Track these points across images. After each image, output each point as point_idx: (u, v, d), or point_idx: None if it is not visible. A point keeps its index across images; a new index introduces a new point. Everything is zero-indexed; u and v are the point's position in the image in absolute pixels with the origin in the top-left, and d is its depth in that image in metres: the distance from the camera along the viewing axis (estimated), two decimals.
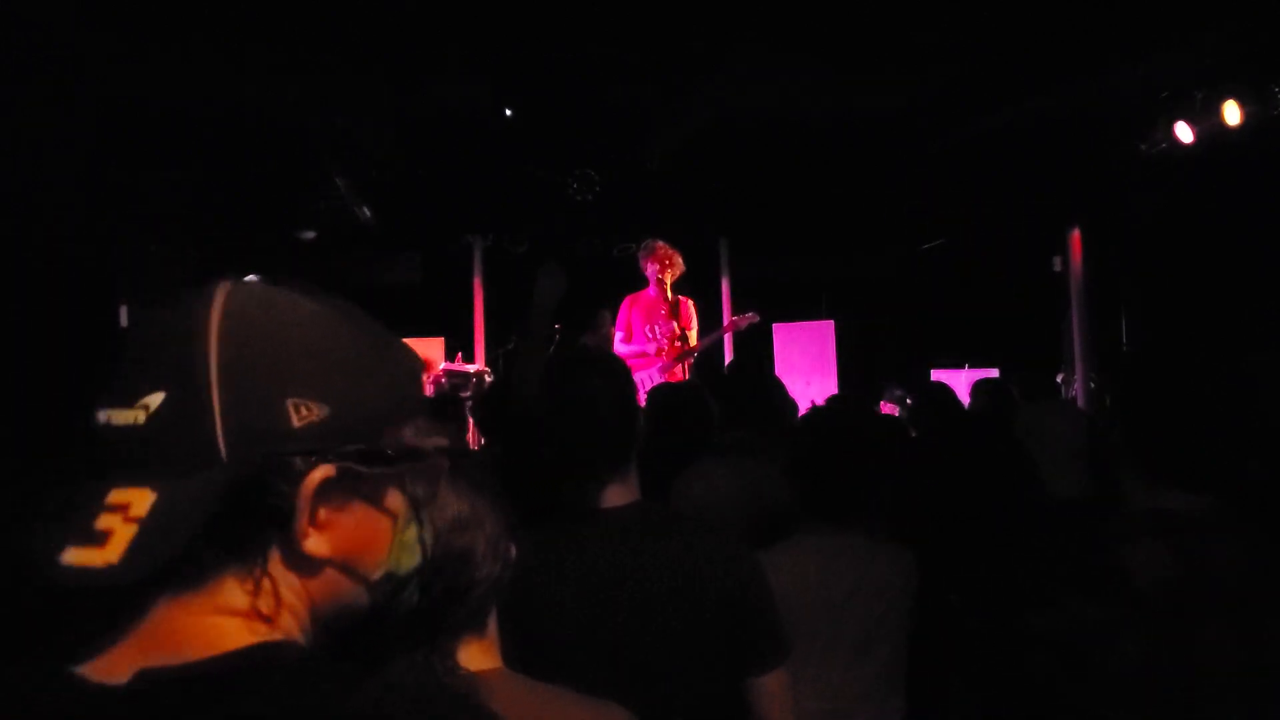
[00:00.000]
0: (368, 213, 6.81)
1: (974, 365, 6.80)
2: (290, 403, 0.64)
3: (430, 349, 7.42)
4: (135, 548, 0.60)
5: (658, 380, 5.38)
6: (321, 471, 0.65)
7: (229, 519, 0.63)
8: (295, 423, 0.64)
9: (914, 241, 8.36)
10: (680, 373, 5.65)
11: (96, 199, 6.04)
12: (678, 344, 5.63)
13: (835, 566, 1.94)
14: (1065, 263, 7.29)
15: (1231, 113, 5.03)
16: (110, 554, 0.59)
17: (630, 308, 5.79)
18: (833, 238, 8.01)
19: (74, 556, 0.60)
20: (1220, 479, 1.11)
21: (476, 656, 1.16)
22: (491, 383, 5.73)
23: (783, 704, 1.56)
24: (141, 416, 0.62)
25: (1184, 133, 5.36)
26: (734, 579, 1.55)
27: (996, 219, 7.41)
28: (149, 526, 0.60)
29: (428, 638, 1.13)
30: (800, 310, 8.10)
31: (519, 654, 1.50)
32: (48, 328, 4.74)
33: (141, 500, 0.61)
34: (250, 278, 0.68)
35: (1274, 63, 4.83)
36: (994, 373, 6.26)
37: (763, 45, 4.77)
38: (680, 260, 5.68)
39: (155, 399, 0.62)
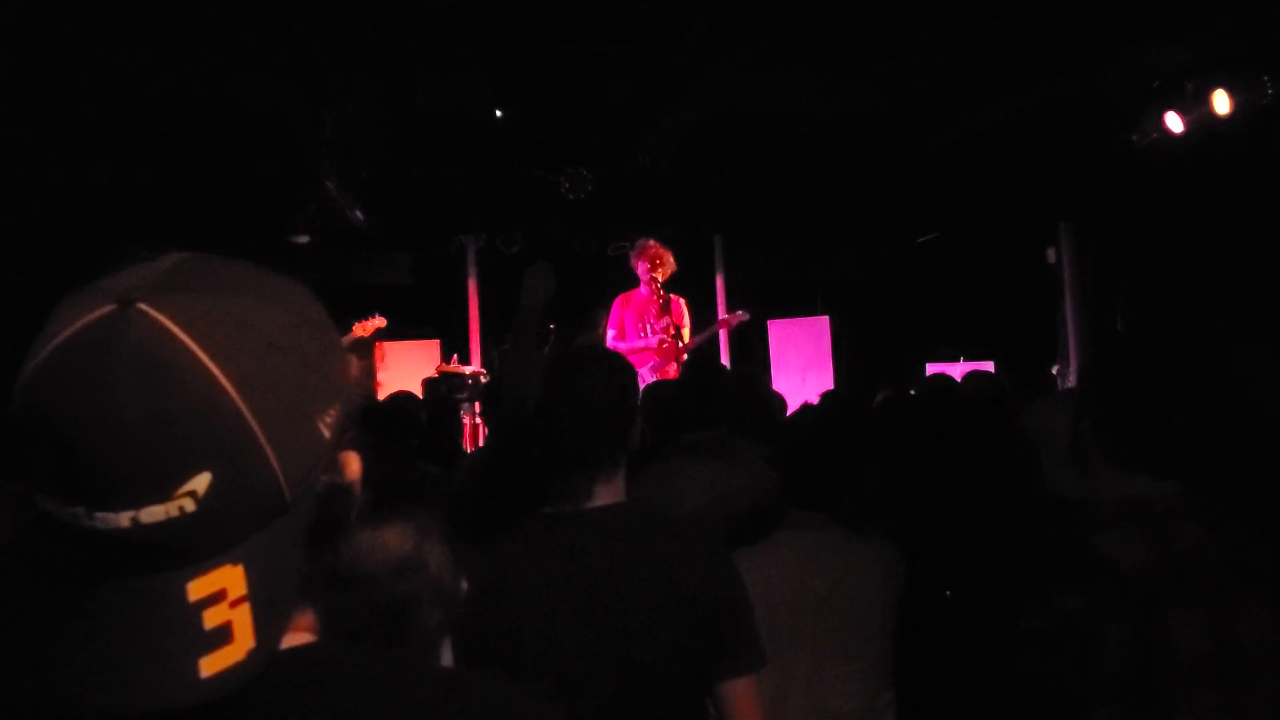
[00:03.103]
0: (360, 215, 6.81)
1: (969, 359, 6.80)
2: (321, 421, 0.61)
3: (426, 351, 7.42)
4: (263, 625, 0.57)
5: (650, 379, 5.38)
6: (354, 459, 0.65)
7: (312, 547, 0.62)
8: (328, 435, 0.62)
9: (908, 236, 8.37)
10: (675, 370, 5.66)
11: (86, 202, 6.03)
12: (671, 341, 5.64)
13: (817, 562, 1.94)
14: (1059, 255, 7.29)
15: (1221, 102, 5.03)
16: (243, 643, 0.55)
17: (623, 307, 5.79)
18: (827, 233, 8.02)
19: (212, 665, 0.54)
20: (1187, 465, 1.11)
21: None
22: (492, 380, 5.73)
23: (754, 708, 1.56)
24: (189, 505, 0.54)
25: (1174, 123, 5.36)
26: (712, 584, 1.56)
27: (990, 212, 7.42)
28: (260, 599, 0.57)
29: None
30: (795, 306, 8.10)
31: (502, 649, 1.51)
32: (37, 333, 4.72)
33: (235, 579, 0.56)
34: (141, 305, 0.56)
35: (1264, 52, 4.83)
36: (989, 366, 6.26)
37: (756, 42, 4.77)
38: (671, 259, 5.68)
39: (200, 482, 0.55)
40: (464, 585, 1.17)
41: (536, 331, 2.80)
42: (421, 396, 5.13)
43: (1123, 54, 4.96)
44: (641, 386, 4.59)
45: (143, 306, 0.55)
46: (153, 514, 0.54)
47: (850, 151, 7.11)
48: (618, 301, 5.82)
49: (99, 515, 0.54)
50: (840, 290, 8.40)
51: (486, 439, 3.81)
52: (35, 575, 0.56)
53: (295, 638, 0.65)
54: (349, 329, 6.17)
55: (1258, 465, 1.25)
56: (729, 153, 7.14)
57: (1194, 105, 5.19)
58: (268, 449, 0.57)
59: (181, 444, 0.54)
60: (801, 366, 7.81)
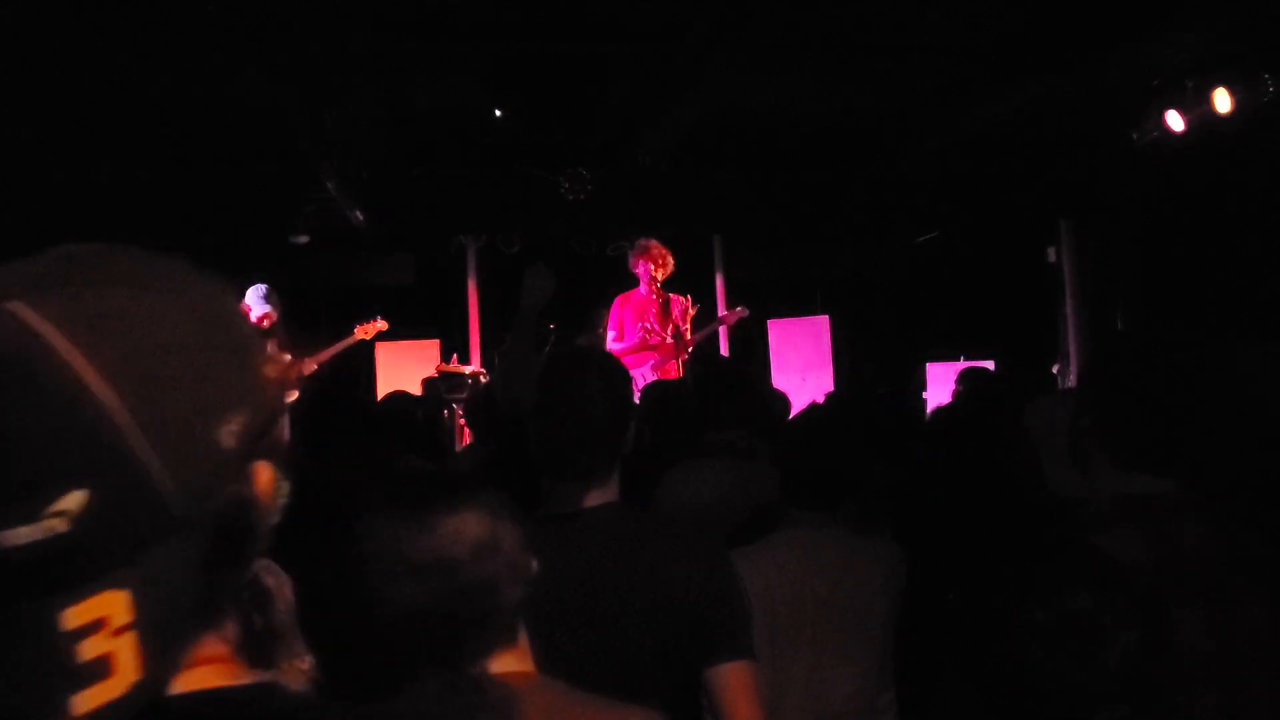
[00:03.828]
0: (360, 215, 6.81)
1: (969, 358, 6.80)
2: (222, 429, 0.56)
3: (425, 351, 7.43)
4: (150, 655, 0.51)
5: (651, 378, 5.38)
6: (266, 470, 0.60)
7: (212, 568, 0.56)
8: (231, 444, 0.56)
9: (908, 235, 8.36)
10: (675, 370, 5.66)
11: (89, 200, 6.04)
12: (671, 340, 5.64)
13: (818, 561, 1.94)
14: (1059, 254, 7.29)
15: (1222, 101, 5.02)
16: (126, 676, 0.50)
17: (622, 306, 5.79)
18: (827, 233, 8.02)
19: (88, 701, 0.49)
20: (1187, 465, 1.11)
21: (509, 663, 1.17)
22: (484, 384, 5.73)
23: (745, 697, 1.56)
24: (60, 525, 0.49)
25: (1175, 121, 5.36)
26: (705, 582, 1.57)
27: (990, 211, 7.41)
28: (148, 627, 0.51)
29: (454, 660, 1.14)
30: (795, 306, 8.10)
31: None
32: None
33: (117, 606, 0.50)
34: (9, 305, 0.51)
35: (1264, 50, 4.83)
36: (989, 365, 6.26)
37: (755, 41, 4.77)
38: (671, 259, 5.69)
39: (72, 500, 0.49)
40: (534, 564, 1.19)
41: (536, 332, 2.80)
42: (421, 396, 5.14)
43: (1123, 53, 4.95)
44: (642, 385, 4.61)
45: (10, 306, 0.50)
46: (17, 536, 0.48)
47: (850, 151, 7.10)
48: (617, 301, 5.83)
49: None
50: (840, 290, 8.39)
51: (470, 443, 3.82)
52: None
53: (209, 667, 0.60)
54: (350, 330, 6.18)
55: (1258, 465, 1.25)
56: (729, 153, 7.14)
57: (1195, 104, 5.19)
58: (152, 461, 0.51)
59: (49, 458, 0.49)
60: (801, 366, 7.81)
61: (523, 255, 7.44)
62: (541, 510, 1.63)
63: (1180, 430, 1.11)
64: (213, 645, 0.60)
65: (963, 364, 6.56)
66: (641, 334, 5.70)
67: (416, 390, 5.71)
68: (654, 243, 5.74)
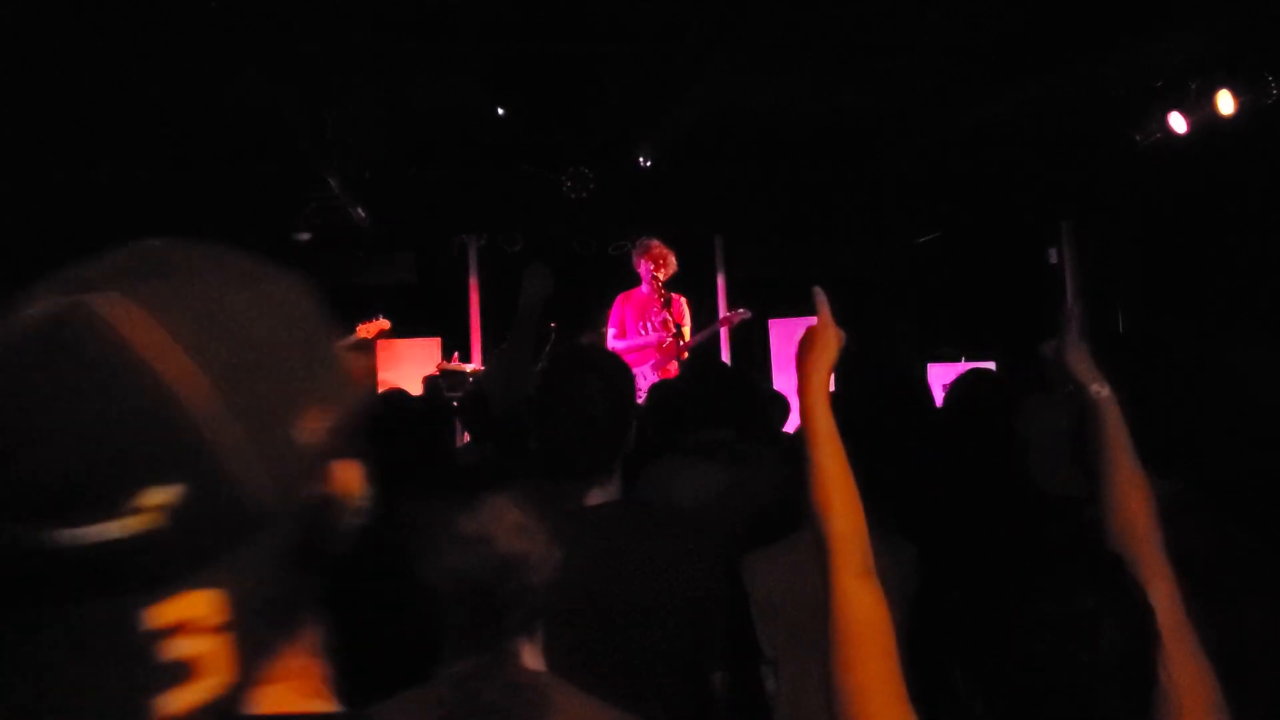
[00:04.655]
0: (362, 213, 6.81)
1: (971, 358, 6.79)
2: (306, 426, 0.54)
3: (426, 349, 7.43)
4: (238, 657, 0.49)
5: (652, 378, 5.38)
6: (352, 469, 0.58)
7: (295, 569, 0.54)
8: (315, 441, 0.55)
9: (909, 235, 8.36)
10: (676, 370, 5.65)
11: (90, 200, 6.04)
12: (672, 340, 5.64)
13: None
14: (1060, 254, 7.29)
15: (1225, 102, 5.02)
16: (213, 678, 0.48)
17: (623, 305, 5.79)
18: (827, 233, 8.01)
19: (172, 704, 0.47)
20: (1189, 465, 1.11)
21: (530, 657, 1.21)
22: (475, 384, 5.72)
23: (753, 697, 1.58)
24: (151, 521, 0.47)
25: (1178, 123, 5.35)
26: (704, 581, 1.57)
27: (991, 212, 7.40)
28: (235, 628, 0.49)
29: (492, 641, 1.20)
30: (796, 306, 8.09)
31: None
32: None
33: (204, 605, 0.49)
34: (95, 297, 0.49)
35: (1267, 51, 4.82)
36: (990, 365, 6.25)
37: (756, 41, 4.76)
38: (674, 259, 5.69)
39: (163, 494, 0.48)
40: (559, 555, 1.26)
41: (536, 332, 2.80)
42: (422, 394, 5.13)
43: (1125, 53, 4.95)
44: (644, 385, 4.60)
45: (97, 298, 0.49)
46: (107, 531, 0.47)
47: (850, 151, 7.10)
48: (618, 300, 5.83)
49: (45, 534, 0.47)
50: (840, 290, 8.35)
51: (467, 443, 3.82)
52: None
53: (289, 684, 0.58)
54: (352, 330, 6.17)
55: (1258, 465, 1.25)
56: (729, 152, 7.14)
57: (1198, 105, 5.18)
58: (242, 455, 0.50)
59: (139, 451, 0.47)
60: None
61: (524, 254, 7.45)
62: (547, 508, 1.64)
63: (1182, 431, 1.11)
64: (295, 657, 0.57)
65: (964, 364, 6.56)
66: (642, 333, 5.70)
67: (417, 389, 5.71)
68: (655, 242, 5.74)
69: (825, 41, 4.98)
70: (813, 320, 1.42)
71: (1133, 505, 1.12)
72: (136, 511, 0.47)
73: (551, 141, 6.66)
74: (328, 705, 0.60)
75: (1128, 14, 4.58)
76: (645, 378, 5.41)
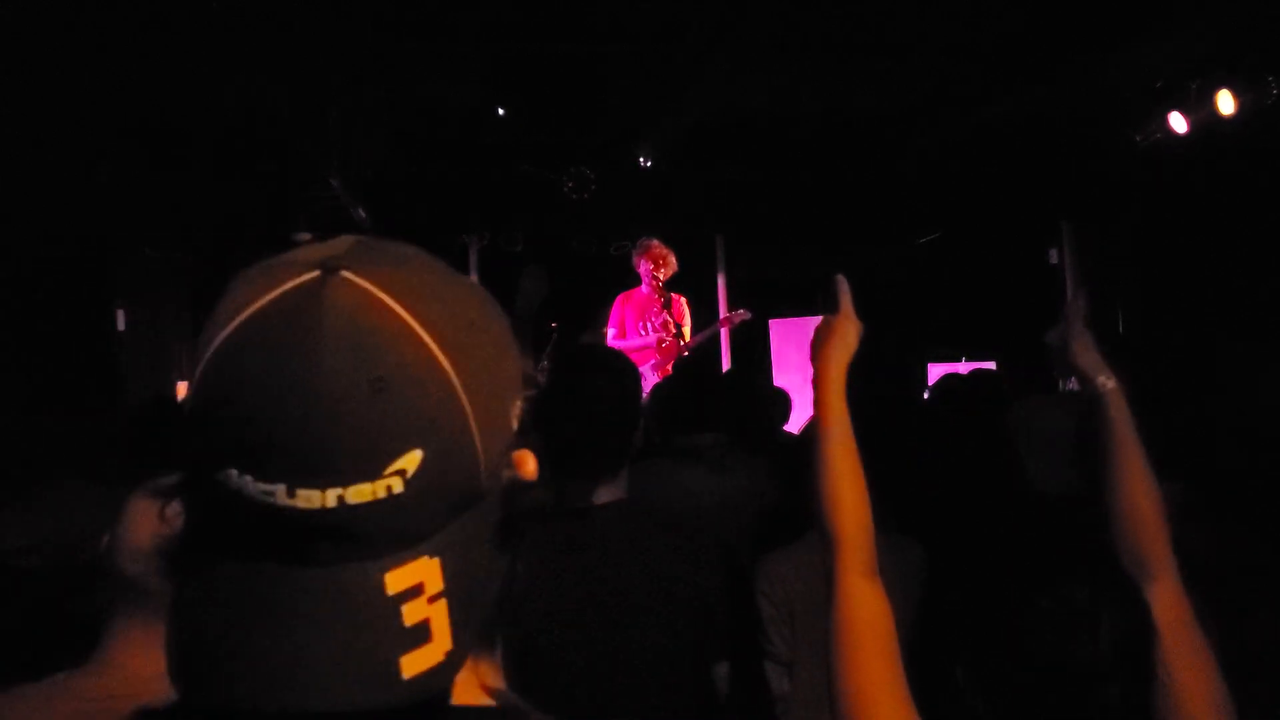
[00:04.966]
0: (362, 213, 6.81)
1: (971, 359, 6.79)
2: (511, 408, 0.57)
3: None
4: (459, 626, 0.51)
5: (652, 379, 5.38)
6: (531, 459, 0.61)
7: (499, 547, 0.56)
8: (516, 424, 0.57)
9: (909, 235, 8.36)
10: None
11: (91, 201, 6.04)
12: (672, 340, 5.64)
13: None
14: (1061, 255, 7.29)
15: (1226, 102, 5.01)
16: (441, 644, 0.50)
17: (624, 305, 5.79)
18: (829, 233, 8.01)
19: (413, 665, 0.49)
20: (1190, 466, 1.12)
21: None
22: None
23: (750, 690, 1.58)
24: (397, 485, 0.49)
25: (1178, 123, 5.35)
26: (709, 582, 1.58)
27: (992, 212, 7.41)
28: (457, 596, 0.51)
29: None
30: (797, 306, 8.10)
31: (509, 643, 1.52)
32: (44, 331, 4.73)
33: (432, 573, 0.51)
34: (346, 273, 0.51)
35: (1268, 52, 4.82)
36: (991, 365, 6.26)
37: (757, 41, 4.76)
38: (674, 259, 5.68)
39: (411, 460, 0.49)
40: (520, 564, 1.21)
41: (536, 332, 2.80)
42: None
43: (1125, 53, 4.95)
44: (643, 386, 4.58)
45: (348, 274, 0.51)
46: (360, 493, 0.48)
47: (851, 151, 7.10)
48: (619, 300, 5.83)
49: (301, 493, 0.48)
50: None
51: None
52: (219, 563, 0.50)
53: (491, 680, 0.60)
54: None
55: (1260, 465, 1.25)
56: (729, 152, 7.14)
57: (1198, 105, 5.18)
58: (475, 428, 0.52)
59: (395, 416, 0.49)
60: (803, 366, 7.77)
61: (525, 254, 7.45)
62: (548, 507, 1.64)
63: (1183, 431, 1.11)
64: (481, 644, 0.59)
65: (965, 365, 6.56)
66: (642, 333, 5.70)
67: None
68: (655, 242, 5.74)
69: (825, 41, 4.98)
70: (813, 320, 1.41)
71: (1141, 500, 1.11)
72: (389, 475, 0.49)
73: (551, 141, 6.66)
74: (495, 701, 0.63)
75: (1128, 14, 4.58)
76: (645, 378, 5.41)
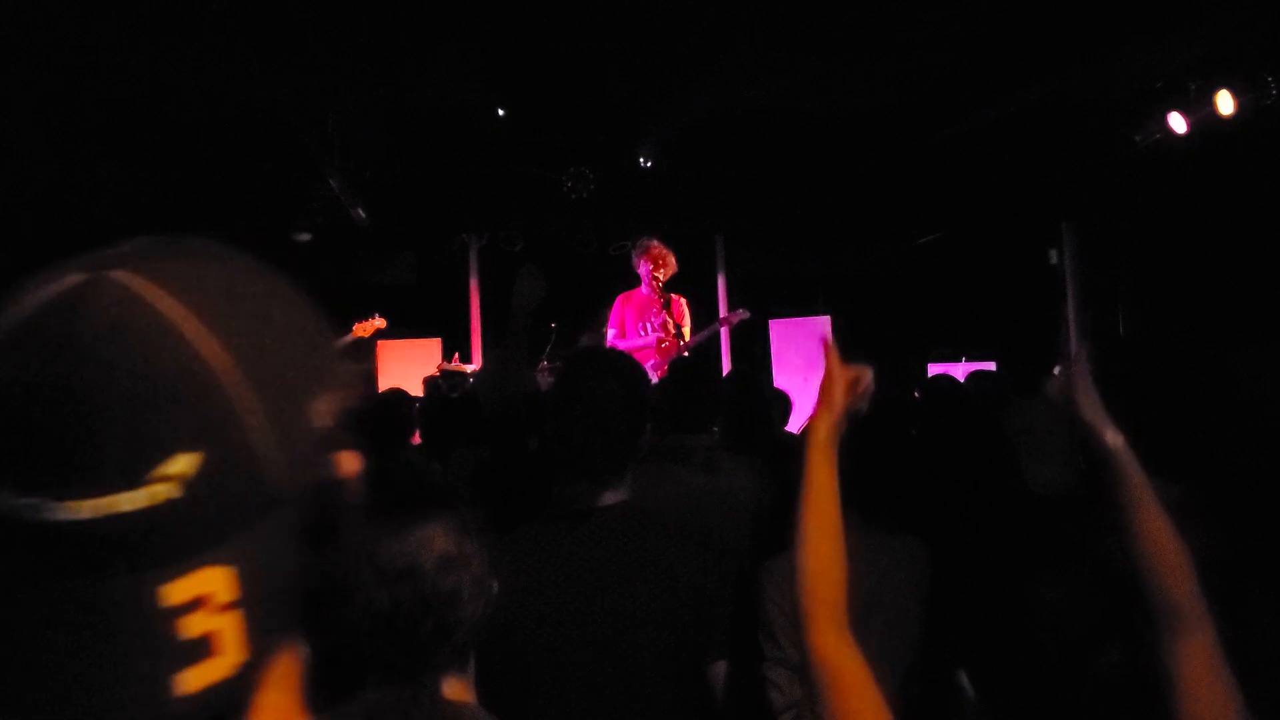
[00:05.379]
0: (362, 213, 6.81)
1: (971, 359, 6.79)
2: (317, 408, 0.54)
3: (427, 349, 7.43)
4: (255, 636, 0.49)
5: (652, 379, 5.38)
6: (351, 457, 0.58)
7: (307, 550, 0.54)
8: (324, 424, 0.55)
9: (910, 236, 8.36)
10: None
11: (90, 199, 6.04)
12: (672, 340, 5.64)
13: (867, 563, 1.92)
14: (1061, 255, 7.29)
15: (1225, 103, 5.02)
16: (230, 657, 0.48)
17: (623, 305, 5.79)
18: (829, 233, 8.02)
19: (190, 682, 0.46)
20: (1194, 467, 1.11)
21: (457, 690, 1.18)
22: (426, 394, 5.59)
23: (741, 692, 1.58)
24: (170, 491, 0.47)
25: (1177, 123, 5.35)
26: (712, 583, 1.58)
27: (992, 212, 7.41)
28: (251, 605, 0.49)
29: (413, 674, 1.15)
30: (796, 306, 8.10)
31: (511, 643, 1.52)
32: None
33: (220, 582, 0.48)
34: (114, 272, 0.49)
35: (1268, 52, 4.82)
36: (990, 366, 6.26)
37: (757, 41, 4.76)
38: (674, 259, 5.68)
39: (184, 463, 0.47)
40: (496, 586, 1.20)
41: (534, 332, 2.80)
42: (422, 394, 5.13)
43: (1125, 54, 4.95)
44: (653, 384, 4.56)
45: (119, 273, 0.49)
46: (128, 501, 0.46)
47: (851, 150, 7.10)
48: (619, 300, 5.82)
49: (61, 505, 0.46)
50: (841, 289, 8.39)
51: (459, 450, 3.78)
52: None
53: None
54: (349, 329, 6.17)
55: (1261, 466, 1.25)
56: (729, 152, 7.14)
57: (1197, 106, 5.18)
58: (260, 428, 0.50)
59: (162, 418, 0.47)
60: (802, 366, 7.80)
61: (524, 254, 7.45)
62: (555, 508, 1.64)
63: (1184, 432, 1.11)
64: (285, 663, 0.56)
65: (964, 365, 6.56)
66: (642, 333, 5.69)
67: (417, 389, 5.71)
68: (655, 242, 5.73)
69: (826, 41, 4.98)
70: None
71: (1168, 557, 1.09)
72: (159, 480, 0.47)
73: (551, 141, 6.66)
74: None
75: (1128, 15, 4.58)
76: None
